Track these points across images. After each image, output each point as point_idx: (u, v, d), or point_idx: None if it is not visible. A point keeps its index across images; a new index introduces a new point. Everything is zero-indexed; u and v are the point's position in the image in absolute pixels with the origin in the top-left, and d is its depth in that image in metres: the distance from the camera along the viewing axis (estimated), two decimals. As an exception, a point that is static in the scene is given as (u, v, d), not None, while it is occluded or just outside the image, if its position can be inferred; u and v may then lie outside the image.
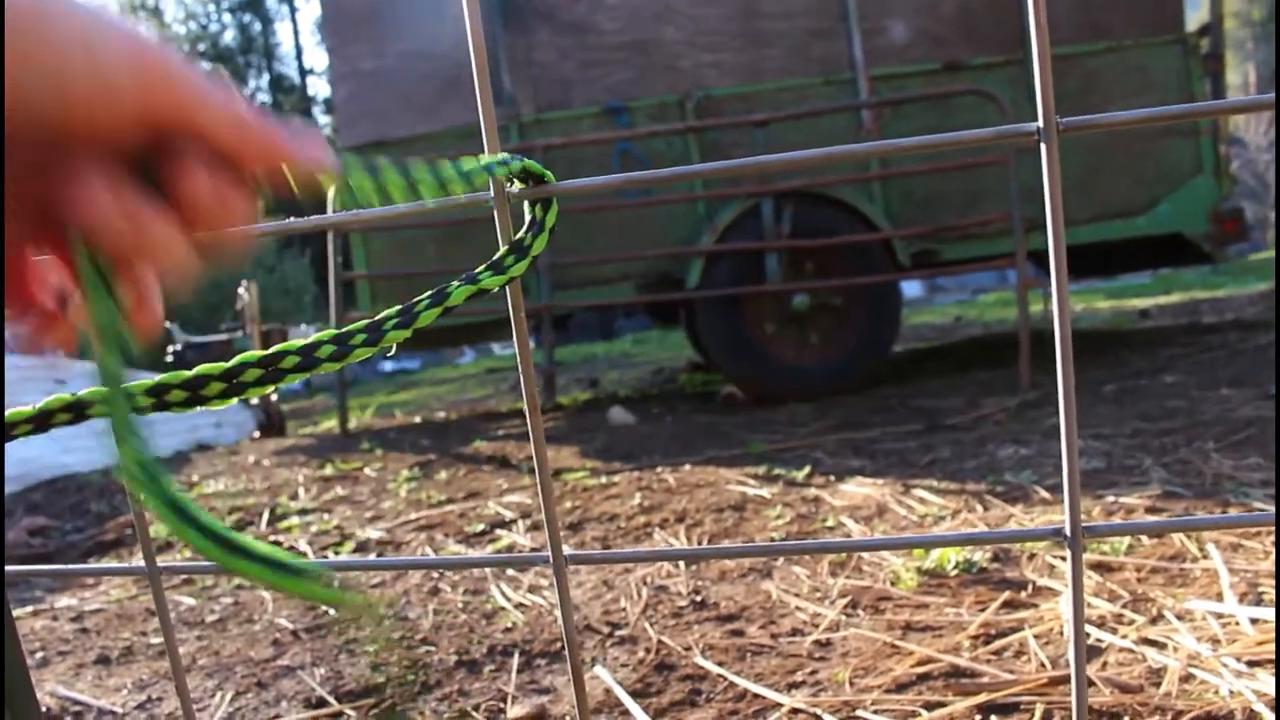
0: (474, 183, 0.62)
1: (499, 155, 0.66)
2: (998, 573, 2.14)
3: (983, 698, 1.54)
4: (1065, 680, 1.56)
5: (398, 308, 0.59)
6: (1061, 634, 1.78)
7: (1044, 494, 2.77)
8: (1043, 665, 1.64)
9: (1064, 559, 2.15)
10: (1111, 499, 2.60)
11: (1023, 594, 2.00)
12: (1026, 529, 0.70)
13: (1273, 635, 1.61)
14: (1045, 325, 6.39)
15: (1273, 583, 1.85)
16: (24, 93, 0.42)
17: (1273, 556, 1.98)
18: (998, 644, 1.76)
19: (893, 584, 2.15)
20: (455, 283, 0.62)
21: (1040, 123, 0.66)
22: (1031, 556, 2.22)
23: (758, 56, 5.69)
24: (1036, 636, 1.77)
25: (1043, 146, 0.67)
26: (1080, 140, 5.16)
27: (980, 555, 2.24)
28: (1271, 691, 1.43)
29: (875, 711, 1.56)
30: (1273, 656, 1.54)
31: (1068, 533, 0.70)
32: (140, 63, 0.45)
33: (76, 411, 0.61)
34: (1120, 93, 5.47)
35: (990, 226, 5.44)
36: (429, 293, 0.61)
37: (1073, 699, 0.71)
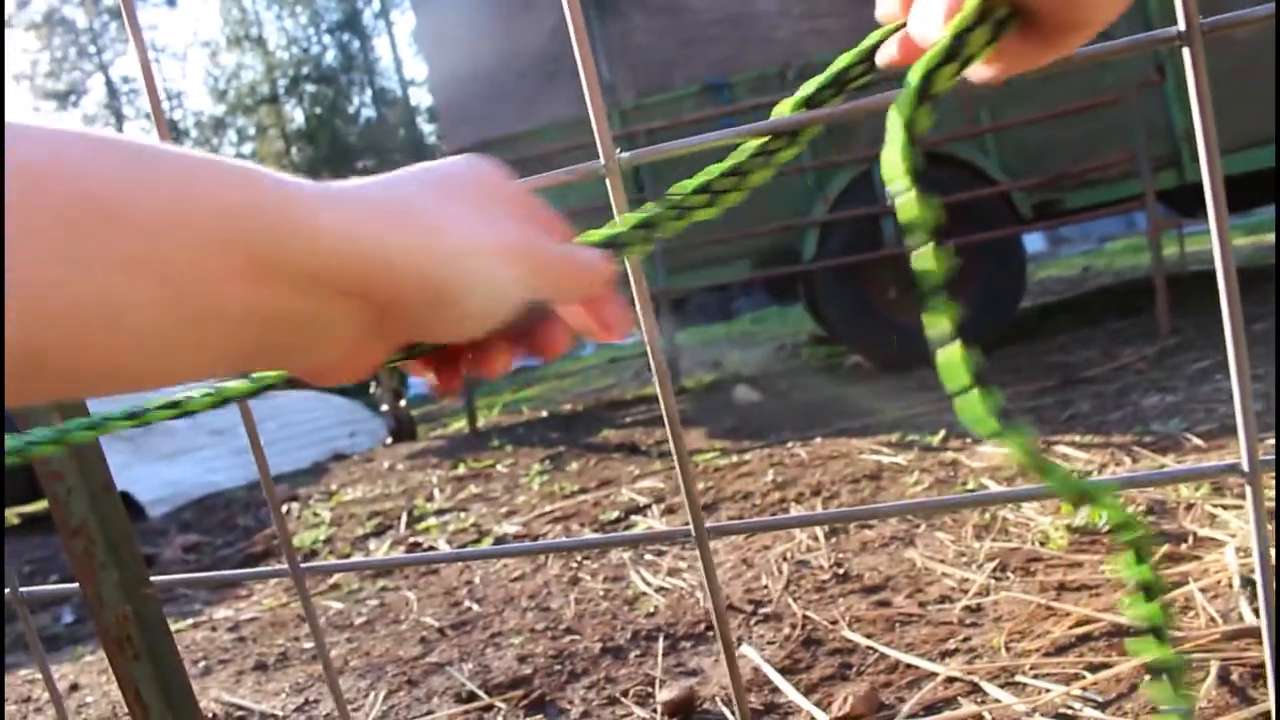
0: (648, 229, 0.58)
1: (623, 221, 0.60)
2: (1154, 526, 2.05)
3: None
4: (1239, 635, 1.47)
5: None
6: (1230, 586, 1.68)
7: (1197, 441, 2.65)
8: (1213, 620, 1.56)
9: (1225, 507, 2.04)
10: (1273, 442, 2.47)
11: (1183, 546, 1.91)
12: (1202, 465, 0.65)
13: None
14: (1180, 268, 6.13)
15: None
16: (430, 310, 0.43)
17: None
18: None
19: (1042, 544, 2.07)
20: None
21: (1181, 24, 0.61)
22: (1189, 507, 2.11)
23: (858, 17, 5.56)
24: (1203, 590, 1.68)
25: (1185, 52, 0.61)
26: (1219, 63, 4.89)
27: (1133, 509, 2.14)
28: None
29: (1035, 675, 1.50)
30: None
31: (1245, 468, 0.65)
32: (523, 268, 0.46)
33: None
34: None
35: (1112, 170, 5.21)
36: None
37: (1266, 651, 0.66)
